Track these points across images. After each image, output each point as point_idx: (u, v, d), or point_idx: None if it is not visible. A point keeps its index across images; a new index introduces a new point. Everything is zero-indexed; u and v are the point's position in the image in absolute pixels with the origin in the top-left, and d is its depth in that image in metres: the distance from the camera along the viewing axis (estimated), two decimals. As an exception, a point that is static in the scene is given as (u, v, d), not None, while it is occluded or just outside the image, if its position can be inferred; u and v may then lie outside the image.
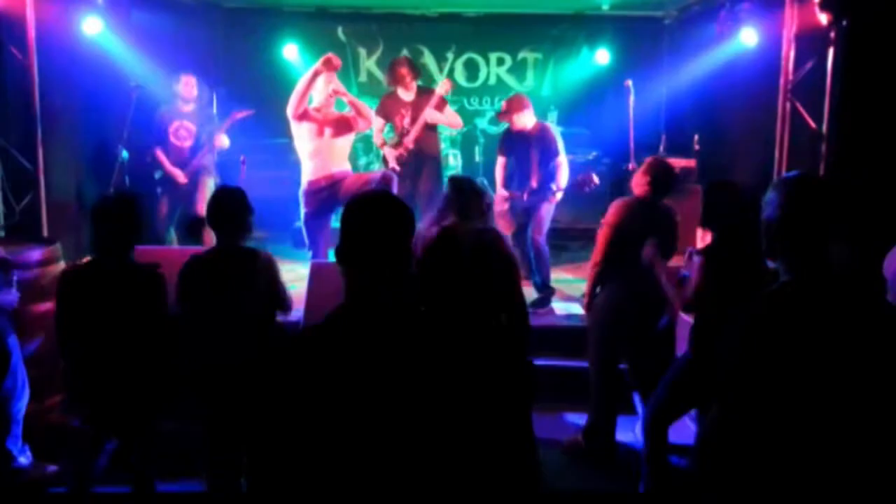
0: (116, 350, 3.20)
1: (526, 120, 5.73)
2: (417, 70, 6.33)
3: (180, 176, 6.20)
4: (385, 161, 6.30)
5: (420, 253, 3.13)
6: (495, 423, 1.64)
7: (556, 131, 5.87)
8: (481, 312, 3.13)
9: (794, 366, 1.79)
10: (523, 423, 3.09)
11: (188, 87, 6.26)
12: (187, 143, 6.26)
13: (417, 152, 6.15)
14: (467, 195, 3.35)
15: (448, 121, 6.31)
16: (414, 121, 6.10)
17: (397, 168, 6.11)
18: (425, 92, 6.24)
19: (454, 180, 3.50)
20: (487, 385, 1.64)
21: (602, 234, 4.06)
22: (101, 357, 3.22)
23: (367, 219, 1.68)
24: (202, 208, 6.08)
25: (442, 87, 6.23)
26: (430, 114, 6.09)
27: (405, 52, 8.81)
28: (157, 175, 6.32)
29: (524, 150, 5.83)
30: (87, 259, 3.40)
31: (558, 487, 3.85)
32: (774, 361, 1.80)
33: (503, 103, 6.00)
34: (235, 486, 3.38)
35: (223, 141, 6.26)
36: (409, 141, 6.10)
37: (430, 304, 3.10)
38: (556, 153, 5.74)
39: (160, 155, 6.21)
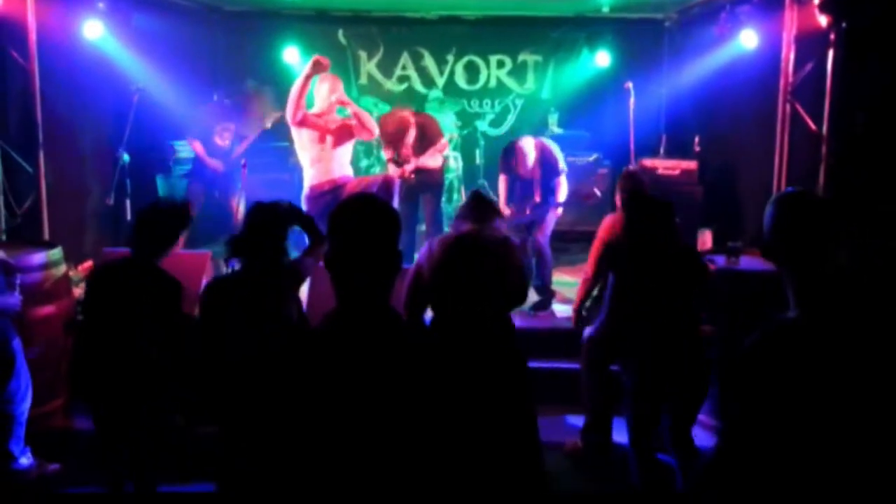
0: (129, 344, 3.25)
1: (530, 154, 5.80)
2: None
3: (219, 165, 6.49)
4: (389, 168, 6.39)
5: (439, 253, 3.23)
6: (483, 426, 1.64)
7: (556, 150, 5.89)
8: (487, 312, 3.22)
9: (805, 406, 1.76)
10: (520, 429, 3.11)
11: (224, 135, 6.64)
12: (228, 143, 6.60)
13: (419, 172, 6.24)
14: (484, 202, 3.53)
15: (430, 166, 6.34)
16: (414, 153, 6.23)
17: (405, 175, 6.19)
18: (429, 129, 6.30)
19: (473, 192, 3.70)
20: (480, 387, 1.65)
21: (593, 249, 4.22)
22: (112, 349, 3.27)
23: (351, 223, 1.66)
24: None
25: (442, 146, 6.38)
26: (423, 160, 6.21)
27: (405, 55, 8.86)
28: (179, 168, 6.64)
29: (530, 171, 5.88)
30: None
31: (558, 490, 3.85)
32: (783, 402, 1.76)
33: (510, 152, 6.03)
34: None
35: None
36: (407, 170, 6.18)
37: (443, 303, 3.18)
38: (557, 172, 5.79)
39: (198, 147, 6.49)
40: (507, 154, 5.96)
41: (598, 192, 5.49)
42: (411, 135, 6.24)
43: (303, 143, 5.52)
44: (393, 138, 6.24)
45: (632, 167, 6.20)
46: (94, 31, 6.02)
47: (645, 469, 3.52)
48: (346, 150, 5.64)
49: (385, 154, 6.47)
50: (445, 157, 7.86)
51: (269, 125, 6.47)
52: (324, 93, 5.50)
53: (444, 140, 6.47)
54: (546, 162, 5.82)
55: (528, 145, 5.84)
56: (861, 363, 1.75)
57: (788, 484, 1.77)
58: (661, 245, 3.47)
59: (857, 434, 1.75)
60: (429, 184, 6.30)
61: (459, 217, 3.56)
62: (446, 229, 6.50)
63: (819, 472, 1.76)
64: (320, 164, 5.52)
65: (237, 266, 3.35)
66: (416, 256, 3.45)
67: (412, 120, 6.26)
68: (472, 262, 3.25)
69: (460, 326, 3.19)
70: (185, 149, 6.91)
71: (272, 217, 3.25)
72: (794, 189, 1.97)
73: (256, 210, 3.27)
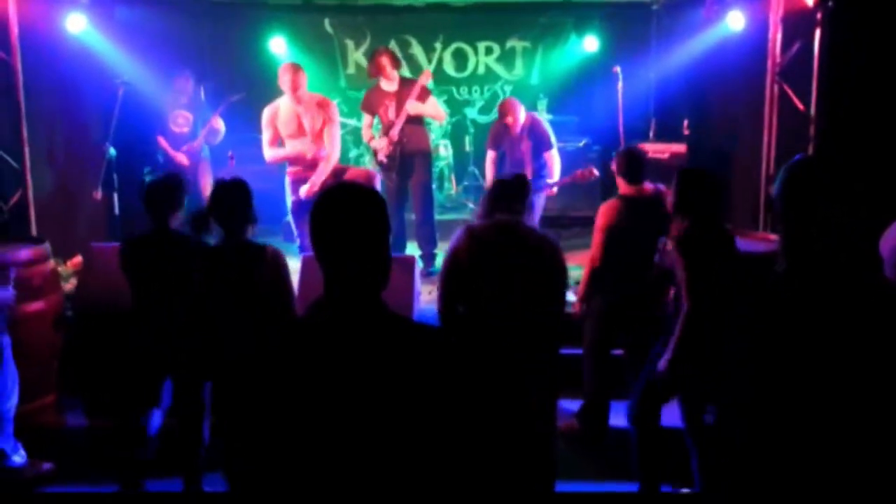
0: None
1: (520, 117, 5.77)
2: (398, 59, 6.28)
3: (183, 158, 6.52)
4: (375, 154, 6.23)
5: (473, 244, 3.07)
6: (478, 424, 1.61)
7: (546, 124, 5.87)
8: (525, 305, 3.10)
9: (799, 356, 1.83)
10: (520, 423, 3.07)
11: (185, 84, 6.61)
12: (185, 130, 6.58)
13: (406, 146, 6.03)
14: (516, 189, 3.30)
15: (432, 112, 6.19)
16: (398, 112, 5.99)
17: (384, 161, 6.07)
18: (408, 83, 6.13)
19: (508, 176, 3.42)
20: (460, 388, 1.61)
21: (595, 238, 4.07)
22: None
23: (337, 210, 1.62)
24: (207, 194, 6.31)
25: (423, 77, 6.20)
26: (412, 105, 5.95)
27: (393, 44, 8.79)
28: (160, 159, 6.62)
29: (516, 142, 5.84)
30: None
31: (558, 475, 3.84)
32: (778, 354, 1.83)
33: (499, 110, 6.00)
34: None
35: (219, 124, 6.58)
36: (394, 133, 5.98)
37: (480, 297, 3.04)
38: (548, 146, 5.76)
39: (162, 141, 6.54)
40: (499, 116, 5.93)
41: (595, 172, 5.44)
42: (390, 84, 6.05)
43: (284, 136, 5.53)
44: (376, 79, 6.12)
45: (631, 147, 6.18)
46: (76, 24, 5.97)
47: (645, 447, 3.51)
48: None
49: (364, 136, 6.38)
50: (436, 146, 7.84)
51: (233, 99, 6.49)
52: (286, 86, 5.45)
53: (424, 72, 6.38)
54: (535, 134, 5.78)
55: (518, 104, 5.83)
56: (851, 313, 1.83)
57: (793, 440, 1.84)
58: (722, 229, 3.40)
59: (853, 385, 1.81)
60: (415, 152, 6.07)
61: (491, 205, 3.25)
62: (436, 217, 6.50)
63: (817, 426, 1.82)
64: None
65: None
66: (450, 243, 3.21)
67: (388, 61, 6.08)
68: (514, 255, 3.08)
69: (491, 321, 3.05)
70: None
71: (235, 190, 3.42)
72: (801, 155, 2.06)
73: (221, 186, 3.49)
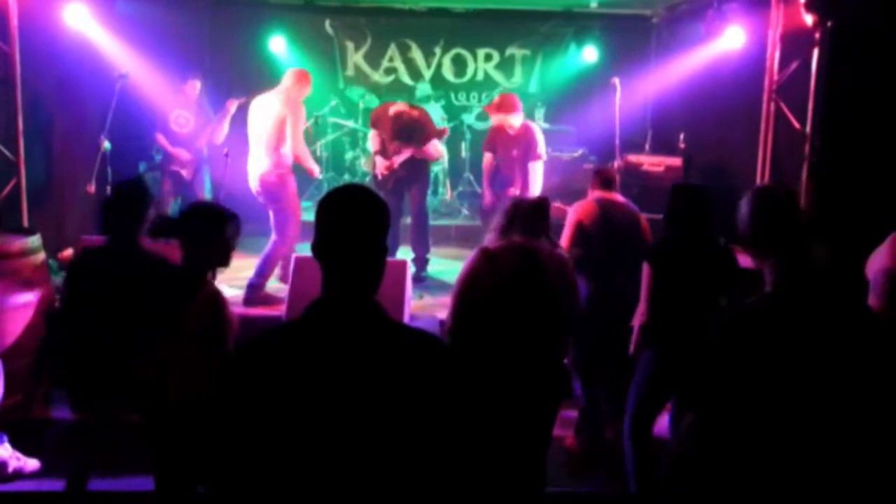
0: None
1: (514, 121, 5.76)
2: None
3: (184, 153, 6.52)
4: (373, 164, 6.34)
5: (491, 267, 3.06)
6: (461, 427, 1.62)
7: (538, 133, 5.86)
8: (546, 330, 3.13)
9: (772, 377, 1.86)
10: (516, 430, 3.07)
11: (193, 89, 6.61)
12: (185, 130, 6.58)
13: (404, 171, 6.20)
14: (538, 215, 3.33)
15: (435, 155, 6.44)
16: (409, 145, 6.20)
17: (379, 178, 6.20)
18: (427, 124, 6.29)
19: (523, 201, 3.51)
20: (447, 389, 1.62)
21: (566, 232, 4.27)
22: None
23: (339, 213, 1.65)
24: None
25: (441, 132, 6.44)
26: (426, 148, 6.21)
27: (393, 47, 8.83)
28: (157, 158, 6.68)
29: (508, 146, 5.86)
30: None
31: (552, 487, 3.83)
32: (752, 374, 1.87)
33: (497, 98, 6.00)
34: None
35: (225, 126, 6.51)
36: (395, 162, 6.15)
37: (503, 323, 3.02)
38: (536, 156, 5.75)
39: (161, 139, 6.57)
40: (493, 107, 5.96)
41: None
42: (406, 126, 6.20)
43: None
44: (391, 129, 6.21)
45: (601, 165, 6.20)
46: (76, 16, 5.95)
47: (640, 462, 3.51)
48: None
49: (371, 146, 6.43)
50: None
51: (233, 110, 6.41)
52: (306, 92, 5.66)
53: (444, 127, 6.57)
54: (527, 141, 5.79)
55: (517, 104, 5.84)
56: (832, 337, 1.86)
57: (765, 460, 1.86)
58: (704, 241, 3.46)
59: (828, 407, 1.84)
60: (416, 176, 6.28)
61: (507, 225, 3.26)
62: (430, 222, 6.51)
63: (793, 446, 1.84)
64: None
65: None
66: (464, 263, 3.19)
67: (408, 111, 6.25)
68: (542, 280, 3.09)
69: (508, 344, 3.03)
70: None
71: (207, 217, 3.00)
72: (764, 184, 2.12)
73: (195, 210, 3.09)
